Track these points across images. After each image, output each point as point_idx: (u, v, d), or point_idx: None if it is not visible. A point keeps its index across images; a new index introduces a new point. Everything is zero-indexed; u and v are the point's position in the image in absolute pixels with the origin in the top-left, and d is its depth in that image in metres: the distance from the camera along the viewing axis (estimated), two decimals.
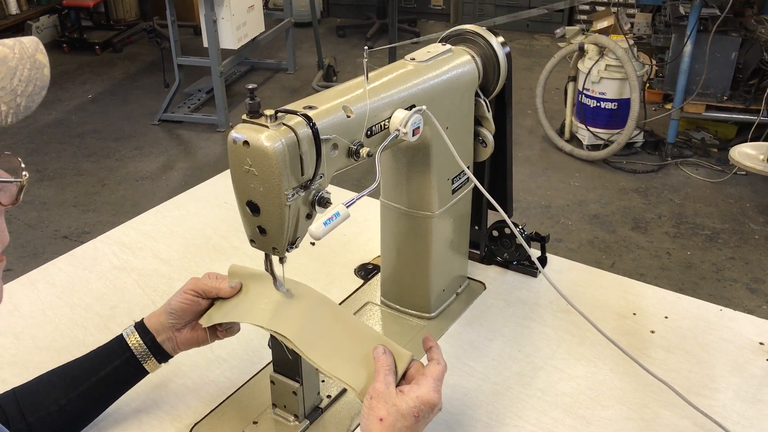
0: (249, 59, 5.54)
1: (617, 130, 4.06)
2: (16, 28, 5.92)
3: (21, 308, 1.36)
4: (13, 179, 0.71)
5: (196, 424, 1.10)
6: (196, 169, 4.16)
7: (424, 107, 1.06)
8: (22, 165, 0.71)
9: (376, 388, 0.91)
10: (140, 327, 1.05)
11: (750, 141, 3.75)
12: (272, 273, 1.01)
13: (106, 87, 5.43)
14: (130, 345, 1.04)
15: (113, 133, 4.64)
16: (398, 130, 1.03)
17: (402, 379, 0.95)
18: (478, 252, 1.46)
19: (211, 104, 4.82)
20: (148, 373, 1.06)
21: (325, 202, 0.96)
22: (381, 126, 1.03)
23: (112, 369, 1.03)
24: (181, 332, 1.05)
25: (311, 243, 1.53)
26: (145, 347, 1.04)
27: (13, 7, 5.83)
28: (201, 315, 1.06)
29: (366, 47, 1.00)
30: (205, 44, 4.43)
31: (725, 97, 4.01)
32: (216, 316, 1.05)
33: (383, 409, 0.89)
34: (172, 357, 1.07)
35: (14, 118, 0.66)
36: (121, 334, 1.06)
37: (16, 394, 1.01)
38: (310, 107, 0.94)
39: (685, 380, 1.17)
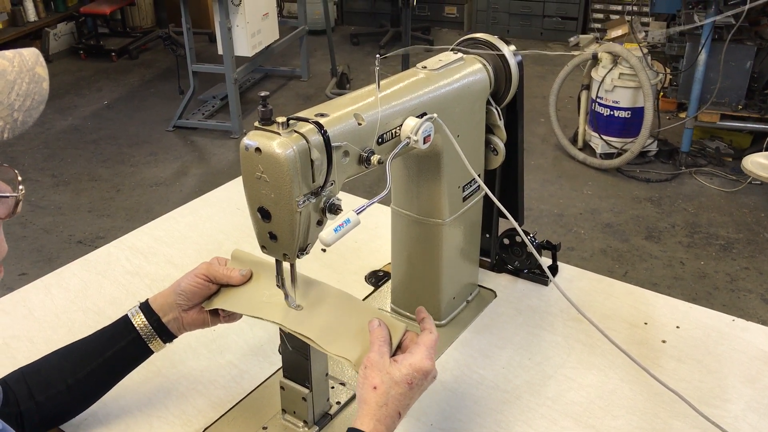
0: (263, 66, 5.57)
1: (631, 139, 4.05)
2: (34, 35, 5.99)
3: (35, 312, 1.38)
4: (9, 194, 0.71)
5: (205, 429, 1.10)
6: (210, 176, 4.18)
7: (435, 115, 1.06)
8: (19, 178, 0.71)
9: (370, 358, 0.93)
10: (145, 307, 1.07)
11: (765, 150, 3.73)
12: (284, 289, 1.02)
13: (122, 93, 5.48)
14: (135, 325, 1.06)
15: (128, 139, 4.68)
16: (409, 138, 1.03)
17: (398, 350, 0.97)
18: (489, 260, 1.46)
19: (226, 111, 4.85)
20: (153, 352, 1.08)
21: (335, 209, 0.96)
22: (392, 133, 1.03)
23: (118, 349, 1.05)
24: (188, 313, 1.07)
25: (322, 249, 1.53)
26: (151, 328, 1.06)
27: (31, 15, 5.90)
28: (209, 298, 1.09)
29: (378, 55, 1.01)
30: (220, 51, 4.46)
31: (740, 106, 3.98)
32: (217, 301, 1.08)
33: (377, 378, 0.91)
34: (176, 337, 1.09)
35: (10, 133, 0.65)
36: (126, 315, 1.07)
37: (24, 373, 1.04)
38: (322, 114, 0.95)
39: (697, 390, 1.16)
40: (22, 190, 0.71)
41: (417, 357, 0.93)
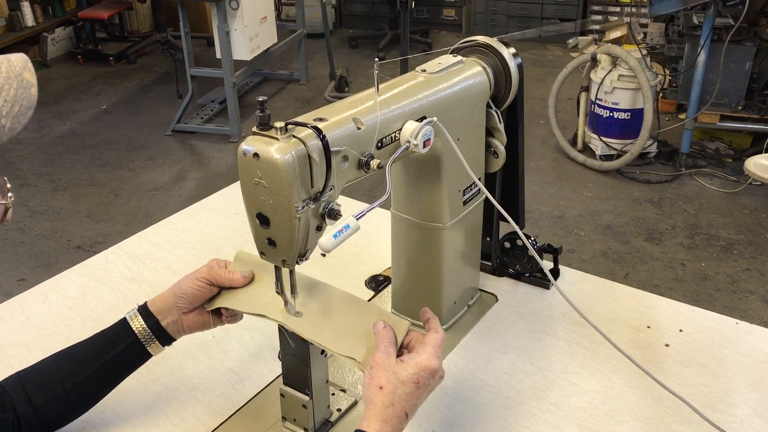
0: (262, 70, 5.56)
1: (630, 140, 4.04)
2: (32, 40, 5.99)
3: (32, 319, 1.37)
4: None
5: None
6: (209, 180, 4.17)
7: (434, 119, 1.05)
8: (8, 185, 0.70)
9: (376, 359, 0.92)
10: (144, 310, 1.06)
11: (765, 151, 3.72)
12: (283, 296, 1.01)
13: (120, 98, 5.47)
14: (134, 329, 1.05)
15: (127, 144, 4.67)
16: (409, 142, 1.02)
17: (403, 350, 0.96)
18: (490, 264, 1.45)
19: (224, 115, 4.84)
20: (152, 356, 1.07)
21: (335, 215, 0.95)
22: (391, 138, 1.02)
23: (116, 353, 1.04)
24: (188, 316, 1.06)
25: (322, 254, 1.52)
26: (149, 331, 1.05)
27: (29, 20, 5.89)
28: (210, 300, 1.08)
29: (377, 59, 1.00)
30: (218, 55, 4.45)
31: (740, 107, 3.97)
32: (220, 301, 1.07)
33: (383, 378, 0.90)
34: (175, 340, 1.08)
35: None
36: (125, 318, 1.06)
37: (21, 378, 1.03)
38: (321, 119, 0.94)
39: (701, 395, 1.15)
40: (11, 197, 0.70)
41: (423, 356, 0.92)
